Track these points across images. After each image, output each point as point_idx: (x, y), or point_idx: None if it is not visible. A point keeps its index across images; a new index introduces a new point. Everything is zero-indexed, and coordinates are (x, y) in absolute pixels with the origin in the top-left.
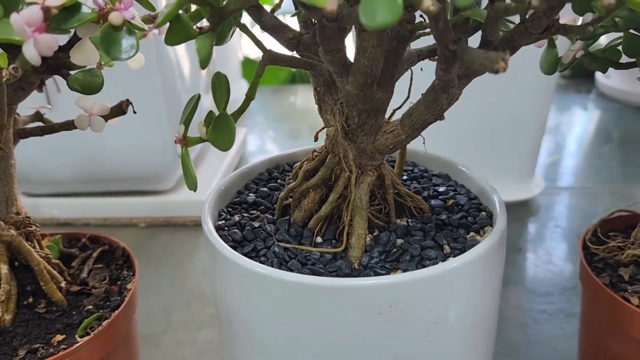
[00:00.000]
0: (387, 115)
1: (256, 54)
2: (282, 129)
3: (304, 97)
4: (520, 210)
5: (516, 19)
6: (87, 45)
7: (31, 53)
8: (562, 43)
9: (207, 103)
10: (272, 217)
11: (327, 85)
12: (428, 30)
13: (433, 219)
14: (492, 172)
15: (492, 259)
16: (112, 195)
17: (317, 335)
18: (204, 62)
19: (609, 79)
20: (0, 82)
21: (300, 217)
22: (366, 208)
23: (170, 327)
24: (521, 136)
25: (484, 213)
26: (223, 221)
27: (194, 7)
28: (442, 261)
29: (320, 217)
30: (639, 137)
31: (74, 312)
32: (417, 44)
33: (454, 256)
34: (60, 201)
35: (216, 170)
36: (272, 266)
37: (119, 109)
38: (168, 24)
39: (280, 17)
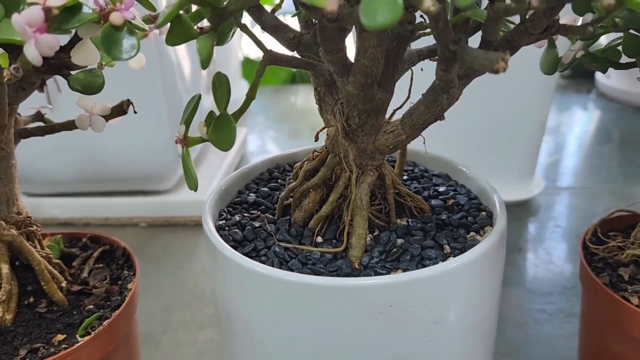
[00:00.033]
0: (387, 115)
1: (256, 54)
2: (283, 129)
3: (305, 97)
4: (520, 210)
5: (516, 19)
6: (88, 46)
7: (32, 53)
8: (562, 43)
9: (208, 103)
10: (272, 217)
11: (328, 85)
12: (428, 30)
13: (433, 219)
14: (492, 172)
15: (492, 258)
16: (113, 195)
17: (317, 335)
18: (205, 62)
19: (609, 79)
20: (1, 82)
21: (300, 217)
22: (366, 208)
23: (171, 327)
24: (521, 136)
25: (484, 213)
26: (223, 221)
27: (194, 8)
28: (443, 261)
29: (320, 217)
30: (639, 137)
31: (75, 312)
32: (417, 44)
33: (454, 256)
34: (61, 201)
35: (216, 170)
36: (272, 266)
37: (120, 109)
38: (169, 24)
39: (281, 17)
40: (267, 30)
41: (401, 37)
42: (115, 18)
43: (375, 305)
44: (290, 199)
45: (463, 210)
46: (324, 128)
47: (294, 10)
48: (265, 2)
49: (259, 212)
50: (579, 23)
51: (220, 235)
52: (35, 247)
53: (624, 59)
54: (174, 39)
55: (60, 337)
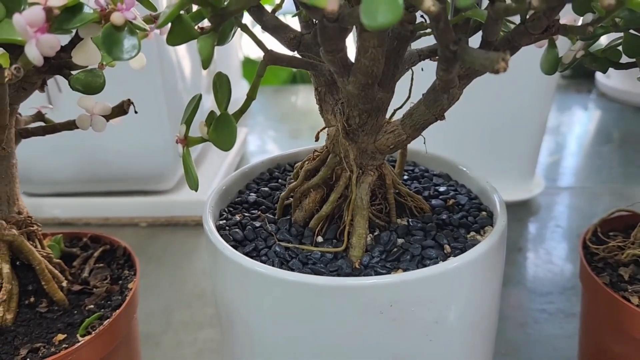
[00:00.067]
0: (388, 115)
1: (257, 54)
2: (283, 129)
3: (305, 97)
4: (520, 210)
5: (516, 19)
6: (89, 46)
7: (33, 53)
8: (563, 43)
9: (208, 103)
10: (273, 217)
11: (328, 85)
12: (429, 30)
13: (434, 219)
14: (493, 172)
15: (492, 258)
16: (113, 195)
17: (317, 334)
18: (206, 62)
19: (609, 79)
20: (2, 82)
21: (301, 217)
22: (367, 208)
23: (171, 327)
24: (522, 136)
25: (484, 213)
26: (224, 221)
27: (195, 8)
28: (443, 261)
29: (321, 216)
30: (639, 137)
31: (75, 312)
32: (417, 44)
33: (455, 256)
34: (61, 201)
35: (217, 170)
36: (273, 266)
37: (121, 109)
38: (170, 24)
39: (281, 18)
40: (268, 30)
41: (402, 37)
42: (116, 18)
43: (375, 305)
44: (291, 199)
45: (463, 210)
46: (324, 128)
47: (295, 10)
48: (266, 2)
49: (259, 212)
50: (579, 23)
51: (221, 235)
52: (35, 246)
53: (624, 59)
54: (174, 39)
55: (60, 336)
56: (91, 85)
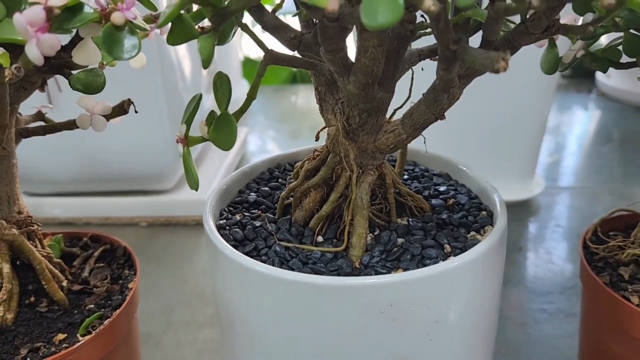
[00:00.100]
0: (388, 115)
1: (257, 53)
2: (283, 128)
3: (305, 97)
4: (520, 210)
5: (517, 19)
6: (89, 45)
7: (34, 53)
8: (563, 43)
9: (209, 103)
10: (273, 217)
11: (328, 84)
12: (429, 30)
13: (434, 218)
14: (493, 171)
15: (492, 258)
16: (113, 195)
17: (317, 334)
18: (206, 62)
19: (609, 79)
20: (2, 82)
21: (301, 217)
22: (367, 207)
23: (171, 327)
24: (522, 136)
25: (484, 212)
26: (224, 220)
27: (195, 7)
28: (443, 260)
29: (321, 216)
30: (639, 137)
31: (76, 311)
32: (418, 44)
33: (455, 255)
34: (61, 200)
35: (217, 170)
36: (273, 265)
37: (121, 109)
38: (170, 24)
39: (282, 17)
40: (268, 30)
41: (402, 37)
42: (117, 18)
43: (375, 305)
44: (291, 199)
45: (463, 210)
46: (324, 127)
47: (295, 10)
48: (266, 2)
49: (259, 212)
50: (580, 23)
51: (221, 235)
52: (36, 246)
53: (625, 59)
54: (175, 39)
55: (61, 336)
56: (91, 84)
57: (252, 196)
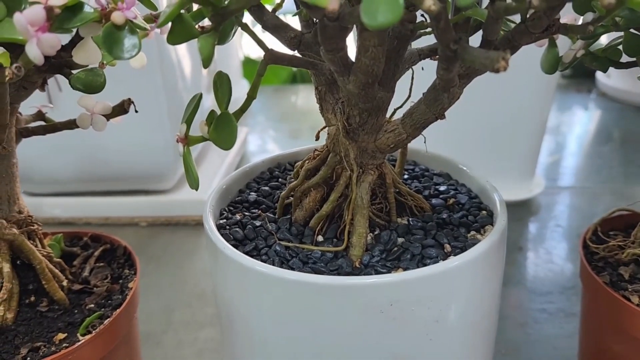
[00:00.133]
0: (388, 115)
1: (257, 53)
2: (283, 128)
3: (305, 97)
4: (520, 210)
5: (517, 18)
6: (90, 45)
7: (34, 52)
8: (563, 42)
9: (209, 102)
10: (273, 216)
11: (329, 84)
12: (429, 29)
13: (434, 218)
14: (493, 171)
15: (492, 258)
16: (114, 195)
17: (317, 333)
18: (207, 62)
19: (609, 79)
20: (3, 81)
21: (301, 216)
22: (367, 207)
23: (171, 327)
24: (522, 136)
25: (484, 212)
26: (224, 220)
27: (195, 7)
28: (443, 260)
29: (321, 216)
30: (639, 136)
31: (76, 311)
32: (418, 43)
33: (455, 255)
34: (61, 200)
35: (217, 170)
36: (273, 265)
37: (121, 108)
38: (170, 23)
39: (282, 17)
40: (268, 30)
41: (402, 36)
42: (117, 17)
43: (375, 304)
44: (291, 198)
45: (464, 210)
46: (324, 127)
47: (295, 9)
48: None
49: (259, 211)
50: (580, 22)
51: (221, 234)
52: (36, 246)
53: (625, 58)
54: (175, 38)
55: (61, 335)
56: (92, 84)
57: (252, 196)
